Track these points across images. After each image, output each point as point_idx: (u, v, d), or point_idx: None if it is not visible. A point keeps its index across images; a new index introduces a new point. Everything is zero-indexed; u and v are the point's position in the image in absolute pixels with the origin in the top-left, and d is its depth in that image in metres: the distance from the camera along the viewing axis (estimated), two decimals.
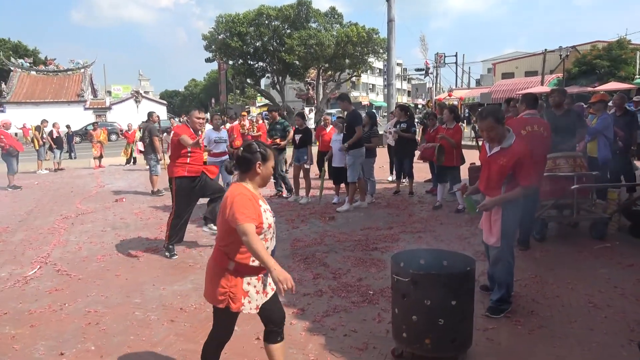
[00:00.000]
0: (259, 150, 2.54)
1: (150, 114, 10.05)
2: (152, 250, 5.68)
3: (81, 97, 40.25)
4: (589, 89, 24.27)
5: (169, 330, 3.59)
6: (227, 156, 7.93)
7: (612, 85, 23.25)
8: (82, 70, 42.41)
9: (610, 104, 7.61)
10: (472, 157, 9.55)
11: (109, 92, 53.69)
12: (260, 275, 2.55)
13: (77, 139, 29.32)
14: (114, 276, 4.83)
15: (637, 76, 25.51)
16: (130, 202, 8.89)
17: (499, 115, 3.54)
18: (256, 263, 2.44)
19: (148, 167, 10.15)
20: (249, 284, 2.50)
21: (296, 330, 3.51)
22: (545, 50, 29.30)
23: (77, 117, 35.47)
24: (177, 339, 3.45)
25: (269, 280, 2.56)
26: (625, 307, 3.76)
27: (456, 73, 43.21)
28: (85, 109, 40.12)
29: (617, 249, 5.15)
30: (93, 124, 19.14)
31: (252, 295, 2.50)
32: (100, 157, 15.33)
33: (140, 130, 13.58)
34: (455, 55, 42.01)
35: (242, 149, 2.56)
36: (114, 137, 31.19)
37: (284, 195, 8.81)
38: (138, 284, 4.59)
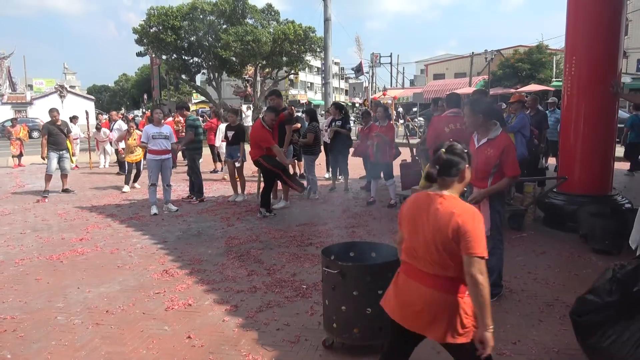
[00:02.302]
0: (465, 150, 2.13)
1: (50, 111, 9.32)
2: (78, 252, 5.41)
3: None
4: (512, 90, 25.90)
5: (94, 333, 3.44)
6: (169, 154, 7.61)
7: (532, 87, 24.94)
8: None
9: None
10: (404, 154, 9.89)
11: (30, 86, 50.06)
12: None
13: None
14: (34, 280, 4.55)
15: (554, 79, 27.55)
16: (53, 203, 8.39)
17: (480, 107, 3.73)
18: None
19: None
20: None
21: (229, 327, 3.50)
22: (473, 53, 30.90)
23: None
24: (103, 342, 3.32)
25: None
26: (537, 291, 4.09)
27: (391, 73, 44.48)
28: (3, 103, 37.22)
29: (532, 238, 5.58)
30: (12, 119, 17.78)
31: None
32: (20, 155, 14.30)
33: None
34: (390, 56, 43.22)
35: (445, 150, 2.11)
36: (35, 134, 29.09)
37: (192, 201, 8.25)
38: (61, 287, 4.36)
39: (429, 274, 2.08)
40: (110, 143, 13.05)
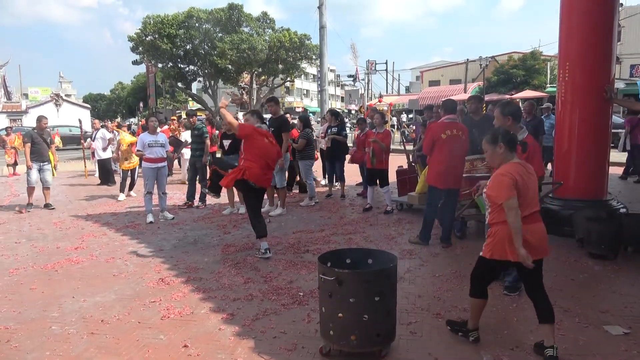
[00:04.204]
0: None
1: (38, 118, 8.76)
2: (73, 261, 5.37)
3: None
4: (507, 96, 26.06)
5: (89, 343, 3.41)
6: (164, 162, 7.58)
7: (527, 93, 25.12)
8: None
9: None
10: (400, 160, 9.92)
11: (26, 95, 50.01)
12: None
13: None
14: (28, 290, 4.51)
15: (548, 85, 27.74)
16: (48, 212, 8.33)
17: (512, 111, 4.11)
18: None
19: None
20: None
21: (225, 336, 3.47)
22: (467, 59, 31.09)
23: None
24: (98, 352, 3.29)
25: None
26: None
27: (386, 80, 44.72)
28: None
29: None
30: (6, 128, 17.73)
31: None
32: (15, 164, 14.23)
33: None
34: (386, 63, 43.49)
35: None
36: None
37: (194, 206, 8.35)
38: (56, 297, 4.32)
39: (538, 212, 3.10)
40: (93, 153, 12.27)
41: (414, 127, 13.08)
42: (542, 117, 9.04)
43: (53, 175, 9.07)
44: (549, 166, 9.68)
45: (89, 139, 14.12)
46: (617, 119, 15.80)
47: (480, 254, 3.18)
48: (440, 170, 5.37)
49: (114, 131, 11.74)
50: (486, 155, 3.26)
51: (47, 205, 8.62)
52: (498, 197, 3.00)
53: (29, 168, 8.34)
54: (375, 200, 7.96)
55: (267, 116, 8.27)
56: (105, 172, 11.46)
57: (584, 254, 5.12)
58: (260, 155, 5.23)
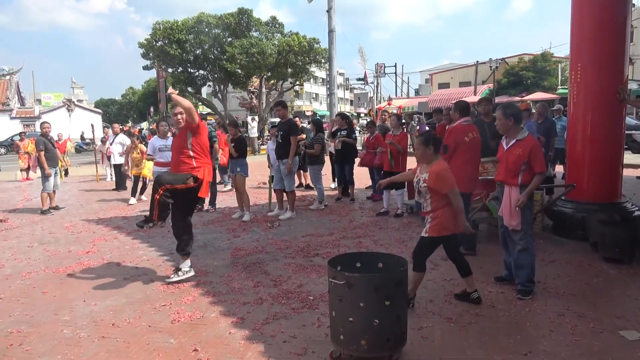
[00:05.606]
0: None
1: (41, 125, 8.95)
2: (84, 264, 5.41)
3: (6, 105, 37.74)
4: (517, 98, 25.85)
5: (99, 347, 3.42)
6: None
7: (538, 95, 24.90)
8: (8, 77, 39.79)
9: (533, 111, 8.17)
10: (410, 163, 9.86)
11: (39, 101, 50.69)
12: None
13: (2, 150, 27.42)
14: (40, 293, 4.55)
15: (560, 87, 27.49)
16: (60, 216, 8.42)
17: (514, 113, 4.09)
18: None
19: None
20: None
21: (235, 340, 3.46)
22: (477, 62, 30.91)
23: (2, 127, 33.29)
24: (109, 355, 3.30)
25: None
26: (547, 300, 4.02)
27: (395, 83, 44.70)
28: (12, 118, 37.67)
29: (541, 247, 5.50)
30: (20, 134, 17.98)
31: None
32: (28, 169, 14.42)
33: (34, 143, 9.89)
34: (395, 66, 43.38)
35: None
36: None
37: (203, 210, 8.25)
38: (67, 300, 4.35)
39: None
40: (109, 158, 12.30)
41: (418, 128, 13.03)
42: (554, 118, 8.93)
43: (60, 178, 9.32)
44: (562, 168, 9.57)
45: (99, 143, 14.29)
46: (630, 120, 15.60)
47: (425, 235, 3.77)
48: (470, 173, 5.17)
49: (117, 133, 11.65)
50: (418, 153, 3.78)
51: (55, 208, 8.82)
52: (444, 187, 3.61)
53: (49, 175, 8.53)
54: (376, 202, 7.91)
55: (276, 120, 8.29)
56: (123, 177, 11.43)
57: (597, 257, 5.04)
58: (208, 150, 4.92)
